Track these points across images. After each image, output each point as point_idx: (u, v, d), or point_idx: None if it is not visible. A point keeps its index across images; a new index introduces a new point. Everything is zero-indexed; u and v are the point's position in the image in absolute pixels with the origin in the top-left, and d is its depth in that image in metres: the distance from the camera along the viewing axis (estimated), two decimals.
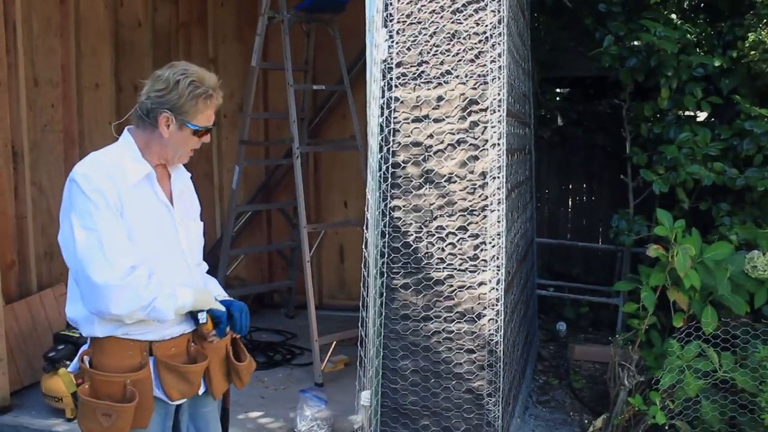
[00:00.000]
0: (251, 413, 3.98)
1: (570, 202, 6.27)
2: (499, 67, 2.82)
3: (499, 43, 2.82)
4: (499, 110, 2.84)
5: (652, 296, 3.52)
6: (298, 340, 5.23)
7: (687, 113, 4.63)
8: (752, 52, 3.94)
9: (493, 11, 2.80)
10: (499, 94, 2.83)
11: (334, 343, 4.55)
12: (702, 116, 4.86)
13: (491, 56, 2.83)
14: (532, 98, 4.90)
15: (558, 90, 6.35)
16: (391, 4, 2.91)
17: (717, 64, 4.13)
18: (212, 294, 2.22)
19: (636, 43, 4.38)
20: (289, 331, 5.43)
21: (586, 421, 3.94)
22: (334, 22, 5.03)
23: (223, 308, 2.17)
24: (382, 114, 2.93)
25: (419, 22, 2.89)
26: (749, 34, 3.93)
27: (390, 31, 2.93)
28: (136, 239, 1.99)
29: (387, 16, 2.92)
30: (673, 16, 4.38)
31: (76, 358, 2.11)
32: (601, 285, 5.52)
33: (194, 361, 2.14)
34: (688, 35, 4.23)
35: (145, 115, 2.07)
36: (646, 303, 3.52)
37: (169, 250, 2.12)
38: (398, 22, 2.92)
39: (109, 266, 1.90)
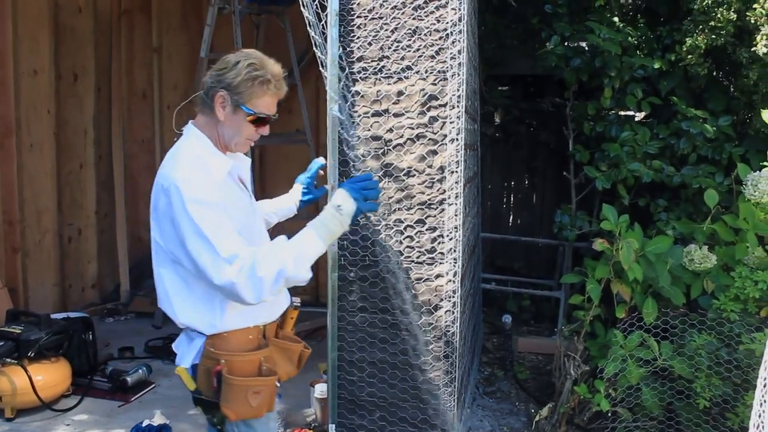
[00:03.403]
0: None
1: (512, 198, 6.42)
2: (459, 64, 2.88)
3: (458, 40, 2.87)
4: (458, 106, 2.90)
5: (598, 288, 3.65)
6: None
7: (626, 113, 4.82)
8: (689, 56, 4.11)
9: (453, 9, 2.86)
10: (458, 90, 2.89)
11: None
12: (639, 116, 5.05)
13: (451, 53, 2.89)
14: (479, 95, 5.00)
15: (500, 88, 6.49)
16: None
17: (656, 66, 4.30)
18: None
19: (582, 44, 4.52)
20: None
21: (532, 410, 4.06)
22: (285, 14, 5.00)
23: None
24: (341, 108, 2.94)
25: (381, 18, 2.92)
26: (686, 39, 4.10)
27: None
28: (239, 233, 1.96)
29: (348, 10, 2.94)
30: (615, 19, 4.54)
31: (193, 354, 2.04)
32: (543, 279, 5.68)
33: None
34: (630, 38, 4.39)
35: (205, 94, 2.03)
36: (592, 295, 3.65)
37: (260, 240, 2.14)
38: (359, 16, 2.94)
39: (228, 265, 1.86)
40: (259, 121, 2.06)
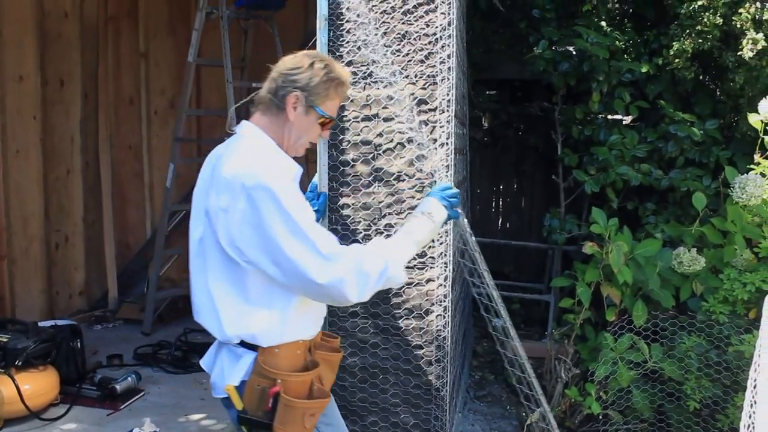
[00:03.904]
0: (192, 416, 3.92)
1: (501, 202, 6.43)
2: (448, 69, 2.88)
3: (447, 45, 2.88)
4: (447, 110, 2.90)
5: (588, 292, 3.67)
6: None
7: (614, 116, 4.84)
8: (676, 60, 4.14)
9: (443, 13, 2.86)
10: (447, 94, 2.89)
11: None
12: (627, 119, 5.08)
13: (440, 57, 2.89)
14: (467, 99, 5.01)
15: (487, 92, 6.51)
16: (342, 3, 2.93)
17: (644, 70, 4.33)
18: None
19: (569, 48, 4.54)
20: None
21: (523, 414, 4.06)
22: (273, 18, 5.00)
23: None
24: None
25: (370, 22, 2.92)
26: (674, 43, 4.13)
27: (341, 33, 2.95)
28: None
29: (337, 15, 2.94)
30: (603, 23, 4.56)
31: (243, 371, 1.95)
32: (533, 282, 5.69)
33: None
34: (617, 42, 4.41)
35: (272, 94, 1.97)
36: (582, 298, 3.66)
37: None
38: (348, 21, 2.94)
39: (332, 263, 1.82)
40: (326, 123, 2.03)
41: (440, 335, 2.95)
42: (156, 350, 4.93)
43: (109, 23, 6.01)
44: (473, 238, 2.73)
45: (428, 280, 2.98)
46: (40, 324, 4.17)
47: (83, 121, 5.77)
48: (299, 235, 1.80)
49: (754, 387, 2.50)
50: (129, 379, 4.21)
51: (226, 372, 1.97)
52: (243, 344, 1.94)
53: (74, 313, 5.68)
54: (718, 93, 4.54)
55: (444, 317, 2.95)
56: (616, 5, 4.85)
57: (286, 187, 1.85)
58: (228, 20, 4.67)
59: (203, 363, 2.08)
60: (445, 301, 2.94)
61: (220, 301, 1.91)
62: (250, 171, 1.83)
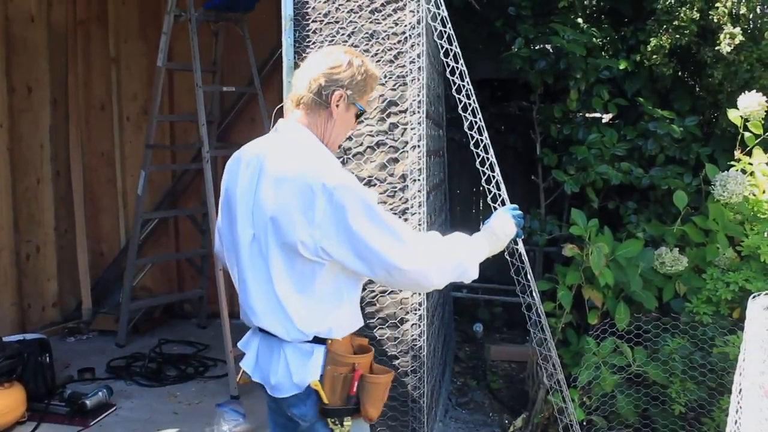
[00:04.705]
0: (164, 431, 3.80)
1: (481, 203, 6.34)
2: (419, 68, 2.79)
3: (417, 44, 2.78)
4: (418, 111, 2.81)
5: (569, 295, 3.58)
6: (210, 351, 5.04)
7: (593, 114, 4.77)
8: (654, 56, 4.07)
9: (411, 11, 2.76)
10: (418, 95, 2.80)
11: None
12: (606, 117, 5.01)
13: (410, 57, 2.79)
14: (443, 100, 4.92)
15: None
16: (307, 3, 2.82)
17: (622, 67, 4.26)
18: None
19: (546, 46, 4.46)
20: (201, 342, 5.23)
21: (506, 421, 3.97)
22: (244, 21, 4.88)
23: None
24: None
25: (337, 22, 2.82)
26: (651, 39, 4.06)
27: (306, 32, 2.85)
28: None
29: (303, 15, 2.83)
30: (580, 20, 4.48)
31: (319, 366, 1.96)
32: (514, 285, 5.59)
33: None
34: (594, 39, 4.34)
35: (316, 94, 1.99)
36: (563, 302, 3.57)
37: None
38: (315, 21, 2.84)
39: (413, 250, 1.87)
40: (359, 115, 2.11)
41: (416, 345, 2.85)
42: (130, 363, 4.79)
43: (78, 28, 5.86)
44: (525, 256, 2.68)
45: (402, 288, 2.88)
46: (6, 339, 4.03)
47: (53, 128, 5.62)
48: (383, 226, 1.86)
49: (740, 392, 2.42)
50: (100, 393, 4.07)
51: (297, 370, 1.96)
52: (313, 340, 1.97)
53: (47, 325, 5.53)
54: (697, 89, 4.49)
55: (419, 326, 2.85)
56: (593, 1, 4.78)
57: (359, 183, 1.94)
58: (197, 23, 4.54)
59: (246, 365, 2.08)
60: (420, 309, 2.84)
61: (290, 301, 1.93)
62: (325, 170, 1.87)
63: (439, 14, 2.64)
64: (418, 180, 2.80)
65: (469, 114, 2.62)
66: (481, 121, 2.63)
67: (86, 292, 5.80)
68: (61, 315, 5.75)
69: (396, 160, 2.83)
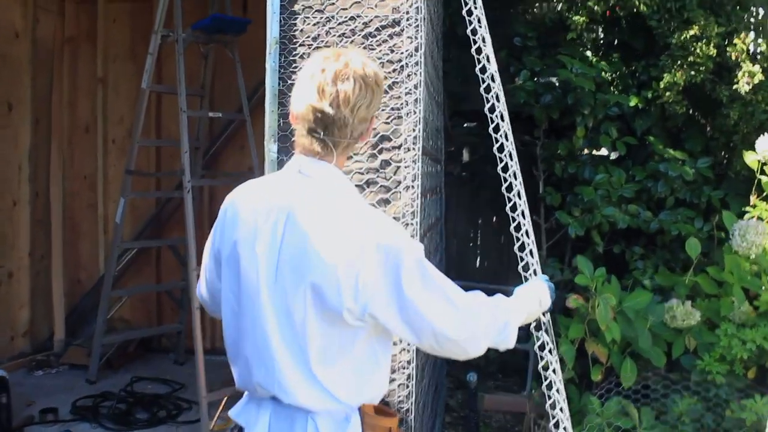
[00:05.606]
0: None
1: (479, 241, 6.10)
2: (415, 100, 2.54)
3: (415, 73, 2.54)
4: (413, 148, 2.55)
5: (572, 350, 3.31)
6: (186, 391, 4.72)
7: (599, 152, 4.53)
8: (666, 94, 3.86)
9: (409, 37, 2.52)
10: (414, 130, 2.54)
11: (226, 396, 4.10)
12: (614, 155, 4.78)
13: (406, 87, 2.55)
14: (443, 133, 4.68)
15: (465, 125, 6.21)
16: (295, 24, 2.58)
17: (632, 103, 4.05)
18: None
19: (552, 79, 4.23)
20: (177, 381, 4.91)
21: None
22: (234, 44, 4.64)
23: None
24: (279, 151, 2.57)
25: (327, 46, 2.57)
26: (664, 75, 3.85)
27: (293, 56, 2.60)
28: None
29: (290, 38, 2.59)
30: (588, 53, 4.28)
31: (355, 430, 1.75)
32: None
33: None
34: (604, 73, 4.13)
35: (351, 137, 1.72)
36: (566, 357, 3.30)
37: None
38: (302, 44, 2.59)
39: (464, 318, 1.72)
40: None
41: (402, 407, 2.56)
42: (98, 402, 4.47)
43: (65, 45, 5.64)
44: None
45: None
46: None
47: (33, 148, 5.37)
48: (437, 292, 1.68)
49: None
50: None
51: None
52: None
53: (15, 356, 5.22)
54: (709, 129, 4.27)
55: (407, 386, 2.56)
56: (603, 34, 4.57)
57: (408, 236, 1.80)
58: (184, 44, 4.29)
59: None
60: (408, 368, 2.56)
61: (327, 373, 1.67)
62: (377, 227, 1.66)
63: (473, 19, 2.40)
64: (411, 224, 2.54)
65: (505, 155, 2.39)
66: (516, 165, 2.42)
67: (60, 322, 5.49)
68: (32, 346, 5.44)
69: (387, 201, 2.57)
